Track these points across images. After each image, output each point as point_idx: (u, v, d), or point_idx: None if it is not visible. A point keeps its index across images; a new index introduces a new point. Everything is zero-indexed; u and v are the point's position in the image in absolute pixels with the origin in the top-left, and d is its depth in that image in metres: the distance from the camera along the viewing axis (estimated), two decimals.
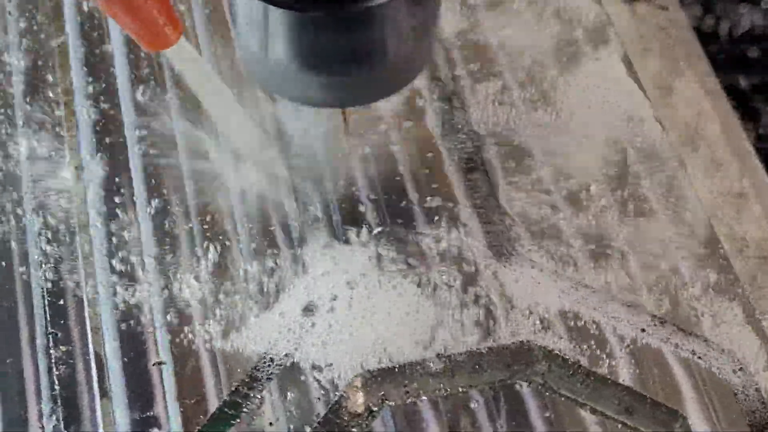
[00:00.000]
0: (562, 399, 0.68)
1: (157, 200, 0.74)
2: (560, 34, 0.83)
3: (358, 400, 0.67)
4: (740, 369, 0.69)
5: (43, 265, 0.71)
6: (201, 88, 0.73)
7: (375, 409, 0.67)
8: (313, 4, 0.51)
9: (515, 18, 0.84)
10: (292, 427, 0.66)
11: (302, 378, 0.67)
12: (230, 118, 0.75)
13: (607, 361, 0.68)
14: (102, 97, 0.79)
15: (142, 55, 0.81)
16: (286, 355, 0.68)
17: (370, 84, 0.59)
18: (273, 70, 0.58)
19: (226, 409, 0.66)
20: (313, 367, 0.68)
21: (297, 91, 0.60)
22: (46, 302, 0.70)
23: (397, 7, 0.53)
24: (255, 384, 0.67)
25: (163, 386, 0.67)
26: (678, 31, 0.87)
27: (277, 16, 0.53)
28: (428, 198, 0.75)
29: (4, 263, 0.72)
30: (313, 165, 0.76)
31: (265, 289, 0.70)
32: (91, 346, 0.69)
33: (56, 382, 0.67)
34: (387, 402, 0.67)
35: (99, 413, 0.67)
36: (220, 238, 0.73)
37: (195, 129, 0.77)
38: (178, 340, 0.69)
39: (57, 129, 0.78)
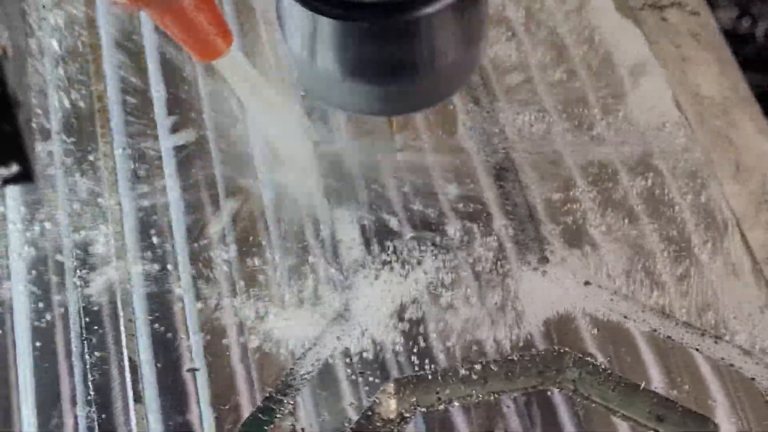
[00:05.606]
0: (593, 405, 0.68)
1: (192, 215, 0.75)
2: (591, 42, 0.83)
3: (390, 406, 0.68)
4: None
5: (79, 272, 0.72)
6: (251, 99, 0.73)
7: (407, 415, 0.67)
8: (361, 15, 0.51)
9: (545, 25, 0.84)
10: None
11: (335, 384, 0.68)
12: (276, 128, 0.76)
13: (638, 367, 0.69)
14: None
15: None
16: (319, 361, 0.68)
17: (418, 93, 0.59)
18: (321, 79, 0.58)
19: (259, 415, 0.67)
20: (347, 373, 0.68)
21: (345, 99, 0.60)
22: (81, 308, 0.71)
23: (443, 17, 0.53)
24: (288, 390, 0.68)
25: (197, 392, 0.68)
26: (709, 37, 0.86)
27: (326, 26, 0.53)
28: (460, 205, 0.75)
29: (40, 271, 0.73)
30: (348, 172, 0.77)
31: (299, 297, 0.71)
32: (125, 352, 0.69)
33: (91, 387, 0.68)
34: (419, 408, 0.68)
35: (133, 418, 0.67)
36: (255, 248, 0.73)
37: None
38: (211, 346, 0.69)
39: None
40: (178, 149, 0.77)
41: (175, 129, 0.78)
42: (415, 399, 0.68)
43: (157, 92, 0.80)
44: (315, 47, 0.55)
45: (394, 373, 0.68)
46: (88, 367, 0.68)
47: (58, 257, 0.73)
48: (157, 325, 0.70)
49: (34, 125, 0.77)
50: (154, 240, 0.73)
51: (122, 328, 0.70)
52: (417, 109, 0.65)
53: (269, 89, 0.73)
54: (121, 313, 0.70)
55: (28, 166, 0.55)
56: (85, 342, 0.69)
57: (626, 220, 0.74)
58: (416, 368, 0.68)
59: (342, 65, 0.55)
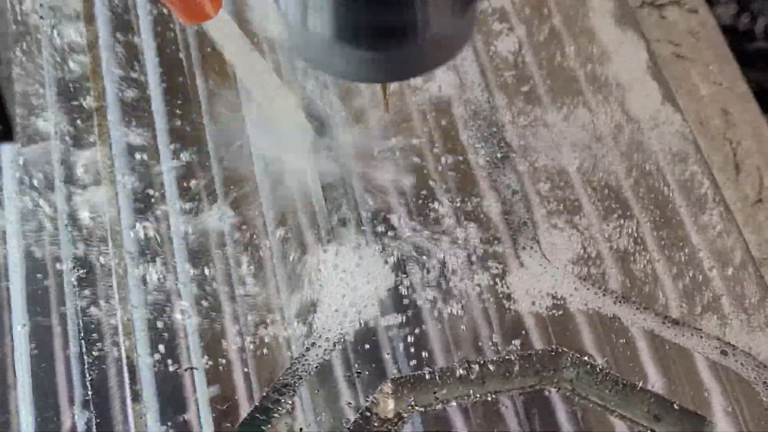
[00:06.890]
0: (591, 405, 0.68)
1: (190, 217, 0.75)
2: (588, 39, 0.83)
3: (387, 406, 0.68)
4: None
5: (77, 270, 0.72)
6: (239, 62, 0.72)
7: (405, 414, 0.68)
8: None
9: (543, 23, 0.84)
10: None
11: (333, 384, 0.68)
12: (266, 89, 0.75)
13: (636, 367, 0.69)
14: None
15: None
16: (317, 361, 0.68)
17: (411, 59, 0.58)
18: (314, 43, 0.57)
19: (257, 414, 0.67)
20: (344, 373, 0.68)
21: (337, 65, 0.59)
22: (79, 307, 0.71)
23: None
24: (286, 389, 0.68)
25: (195, 391, 0.68)
26: (707, 34, 0.86)
27: None
28: (458, 202, 0.75)
29: (38, 268, 0.73)
30: (344, 166, 0.77)
31: (296, 297, 0.71)
32: (123, 351, 0.69)
33: (89, 387, 0.68)
34: (416, 408, 0.68)
35: (131, 418, 0.67)
36: (252, 246, 0.73)
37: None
38: (209, 345, 0.69)
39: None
40: (176, 146, 0.77)
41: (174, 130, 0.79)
42: (412, 399, 0.68)
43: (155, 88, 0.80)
44: (307, 11, 0.55)
45: (392, 372, 0.68)
46: (85, 366, 0.68)
47: (56, 261, 0.73)
48: (155, 324, 0.70)
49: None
50: (153, 242, 0.73)
51: (120, 328, 0.70)
52: (410, 77, 0.64)
53: (259, 59, 0.73)
54: (118, 313, 0.70)
55: (8, 125, 0.54)
56: (83, 342, 0.69)
57: (626, 220, 0.74)
58: (414, 368, 0.68)
59: (334, 29, 0.54)
